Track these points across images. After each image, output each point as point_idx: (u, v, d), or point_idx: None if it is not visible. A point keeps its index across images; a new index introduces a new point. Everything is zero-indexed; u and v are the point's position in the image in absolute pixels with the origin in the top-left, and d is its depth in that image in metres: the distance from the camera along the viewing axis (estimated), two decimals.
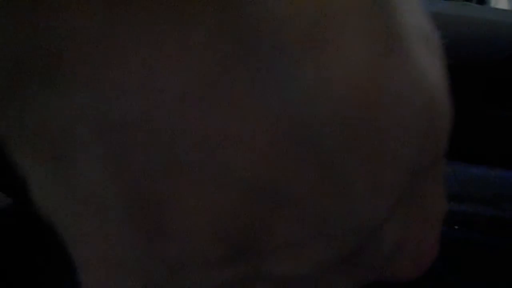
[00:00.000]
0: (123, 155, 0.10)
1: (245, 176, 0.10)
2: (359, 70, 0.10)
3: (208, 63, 0.09)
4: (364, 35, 0.10)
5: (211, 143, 0.10)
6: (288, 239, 0.12)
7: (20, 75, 0.09)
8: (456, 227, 0.31)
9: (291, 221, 0.11)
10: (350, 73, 0.10)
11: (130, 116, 0.10)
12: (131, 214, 0.11)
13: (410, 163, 0.12)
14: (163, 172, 0.10)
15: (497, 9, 0.25)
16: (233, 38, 0.09)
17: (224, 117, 0.10)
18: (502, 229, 0.30)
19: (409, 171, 0.12)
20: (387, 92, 0.11)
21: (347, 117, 0.10)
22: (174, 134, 0.10)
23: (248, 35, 0.09)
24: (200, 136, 0.10)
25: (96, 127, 0.10)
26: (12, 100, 0.10)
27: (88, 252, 0.13)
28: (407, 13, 0.12)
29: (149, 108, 0.09)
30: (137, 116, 0.10)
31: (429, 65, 0.12)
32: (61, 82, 0.09)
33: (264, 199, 0.11)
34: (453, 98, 0.25)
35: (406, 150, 0.12)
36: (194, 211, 0.11)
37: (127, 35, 0.09)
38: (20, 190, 0.31)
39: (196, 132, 0.10)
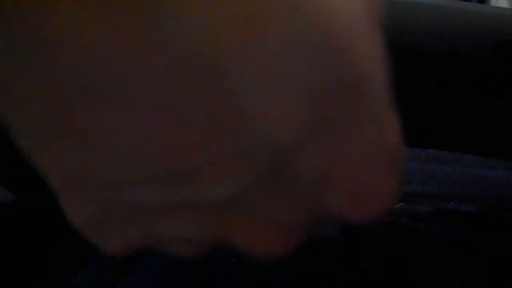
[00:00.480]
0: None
1: (148, 95, 0.12)
2: None
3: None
4: None
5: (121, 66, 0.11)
6: (206, 159, 0.13)
7: None
8: (456, 227, 0.31)
9: (204, 141, 0.12)
10: None
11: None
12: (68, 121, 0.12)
13: (311, 82, 0.13)
14: (91, 98, 0.12)
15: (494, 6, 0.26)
16: None
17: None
18: (502, 229, 0.30)
19: (315, 91, 0.13)
20: (267, 15, 0.12)
21: (226, 35, 0.11)
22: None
23: None
24: (114, 59, 0.11)
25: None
26: None
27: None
28: None
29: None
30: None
31: None
32: None
33: (175, 120, 0.12)
34: (452, 89, 0.26)
35: (301, 69, 0.12)
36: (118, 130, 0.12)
37: None
38: (22, 184, 0.31)
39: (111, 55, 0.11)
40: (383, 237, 0.30)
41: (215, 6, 0.11)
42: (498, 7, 0.26)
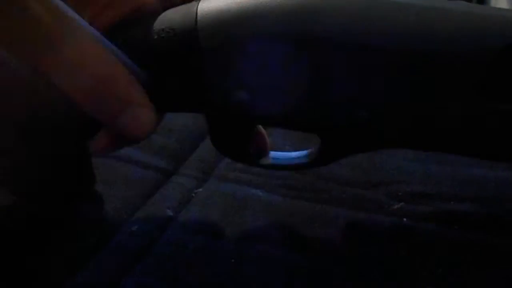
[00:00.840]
0: None
1: None
2: None
3: None
4: None
5: None
6: None
7: None
8: (456, 227, 0.31)
9: None
10: None
11: None
12: None
13: None
14: None
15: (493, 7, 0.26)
16: None
17: None
18: (502, 229, 0.30)
19: None
20: None
21: None
22: None
23: None
24: None
25: None
26: None
27: None
28: None
29: None
30: None
31: None
32: None
33: None
34: (452, 92, 0.26)
35: None
36: None
37: None
38: (22, 184, 0.31)
39: None
40: (383, 237, 0.30)
41: None
42: (501, 9, 0.25)
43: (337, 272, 0.28)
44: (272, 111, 0.27)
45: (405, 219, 0.32)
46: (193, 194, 0.35)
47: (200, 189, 0.35)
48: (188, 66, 0.26)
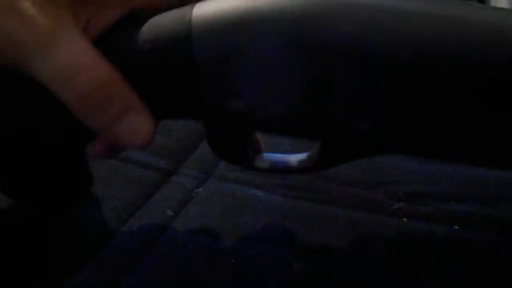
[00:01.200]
0: None
1: None
2: None
3: None
4: None
5: None
6: None
7: None
8: (456, 227, 0.31)
9: None
10: None
11: None
12: None
13: None
14: None
15: (496, 8, 0.25)
16: None
17: None
18: (502, 229, 0.30)
19: None
20: None
21: None
22: None
23: None
24: None
25: None
26: None
27: None
28: None
29: None
30: None
31: None
32: None
33: None
34: (454, 103, 0.25)
35: None
36: None
37: None
38: (21, 190, 0.31)
39: None
40: (383, 237, 0.30)
41: None
42: (505, 10, 0.24)
43: (337, 272, 0.28)
44: (270, 120, 0.26)
45: (405, 219, 0.32)
46: (193, 194, 0.35)
47: (200, 189, 0.35)
48: (182, 76, 0.25)
